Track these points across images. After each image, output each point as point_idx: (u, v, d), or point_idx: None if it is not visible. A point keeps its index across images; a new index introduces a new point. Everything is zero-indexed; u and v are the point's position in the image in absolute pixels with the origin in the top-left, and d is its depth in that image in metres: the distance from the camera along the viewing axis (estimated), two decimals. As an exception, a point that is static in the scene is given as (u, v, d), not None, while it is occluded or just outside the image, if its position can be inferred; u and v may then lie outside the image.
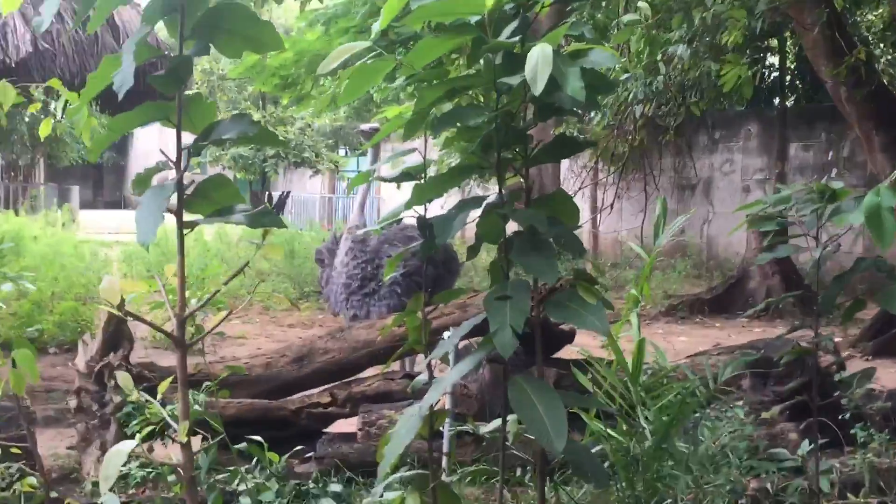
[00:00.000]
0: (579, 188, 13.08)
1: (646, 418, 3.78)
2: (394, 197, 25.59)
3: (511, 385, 2.70)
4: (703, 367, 5.79)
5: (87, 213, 28.37)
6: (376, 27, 3.12)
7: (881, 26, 12.54)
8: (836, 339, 10.25)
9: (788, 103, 18.09)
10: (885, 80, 9.56)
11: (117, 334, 4.68)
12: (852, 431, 5.04)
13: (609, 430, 3.81)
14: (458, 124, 2.93)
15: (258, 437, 4.20)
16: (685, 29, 7.53)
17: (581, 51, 2.71)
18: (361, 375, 5.52)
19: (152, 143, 38.00)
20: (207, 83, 23.53)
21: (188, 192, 2.61)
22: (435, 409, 3.20)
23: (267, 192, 24.77)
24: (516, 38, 2.72)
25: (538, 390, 2.67)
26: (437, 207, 2.99)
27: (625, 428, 3.79)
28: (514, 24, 2.87)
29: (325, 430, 5.14)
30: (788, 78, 18.12)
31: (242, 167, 22.48)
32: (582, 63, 2.66)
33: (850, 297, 3.64)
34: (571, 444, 3.17)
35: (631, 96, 8.57)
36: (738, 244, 15.75)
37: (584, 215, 19.08)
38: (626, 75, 8.74)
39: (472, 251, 3.12)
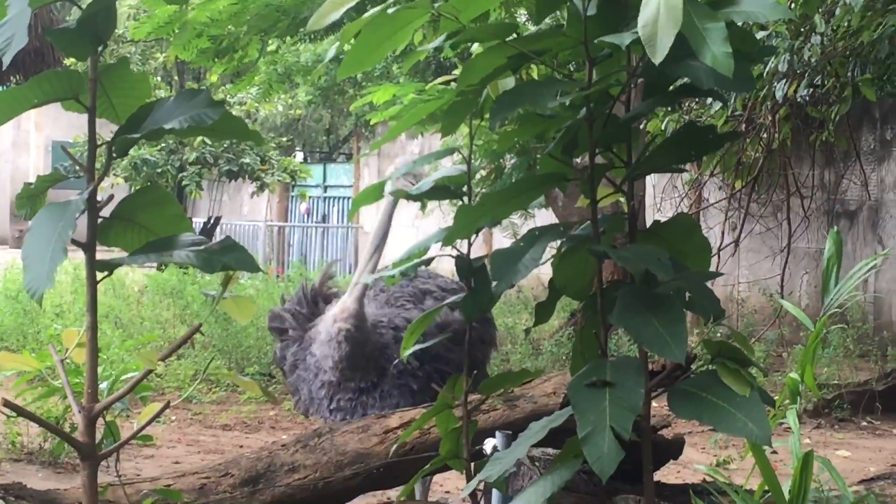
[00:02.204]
0: (689, 212, 12.96)
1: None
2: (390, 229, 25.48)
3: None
4: (889, 498, 5.78)
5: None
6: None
7: None
8: None
9: None
10: None
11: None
12: None
13: None
14: (523, 110, 2.93)
15: None
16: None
17: (723, -1, 2.70)
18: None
19: (5, 141, 38.23)
20: (96, 49, 23.63)
21: (105, 213, 2.60)
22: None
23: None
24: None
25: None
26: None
27: None
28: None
29: None
30: None
31: (147, 179, 22.43)
32: (730, 15, 2.64)
33: None
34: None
35: (769, 70, 8.42)
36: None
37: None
38: (761, 33, 8.57)
39: (545, 310, 3.10)
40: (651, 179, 17.28)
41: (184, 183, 22.70)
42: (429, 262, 3.19)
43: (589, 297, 2.94)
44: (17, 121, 37.09)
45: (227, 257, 2.53)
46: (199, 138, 22.56)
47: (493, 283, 2.81)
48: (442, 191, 3.12)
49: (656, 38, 2.48)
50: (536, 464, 5.87)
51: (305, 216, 31.90)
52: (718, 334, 13.57)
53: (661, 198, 16.15)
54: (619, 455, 2.58)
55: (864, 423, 11.73)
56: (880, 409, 11.95)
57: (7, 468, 8.25)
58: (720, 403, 2.65)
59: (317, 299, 7.46)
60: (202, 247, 2.53)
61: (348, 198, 29.40)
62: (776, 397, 12.01)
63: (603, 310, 2.82)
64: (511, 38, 2.84)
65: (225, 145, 22.97)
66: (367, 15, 2.81)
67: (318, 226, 30.38)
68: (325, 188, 31.62)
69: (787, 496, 3.81)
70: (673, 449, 5.98)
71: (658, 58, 2.49)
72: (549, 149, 2.94)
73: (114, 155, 2.59)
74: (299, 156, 32.90)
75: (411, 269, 3.21)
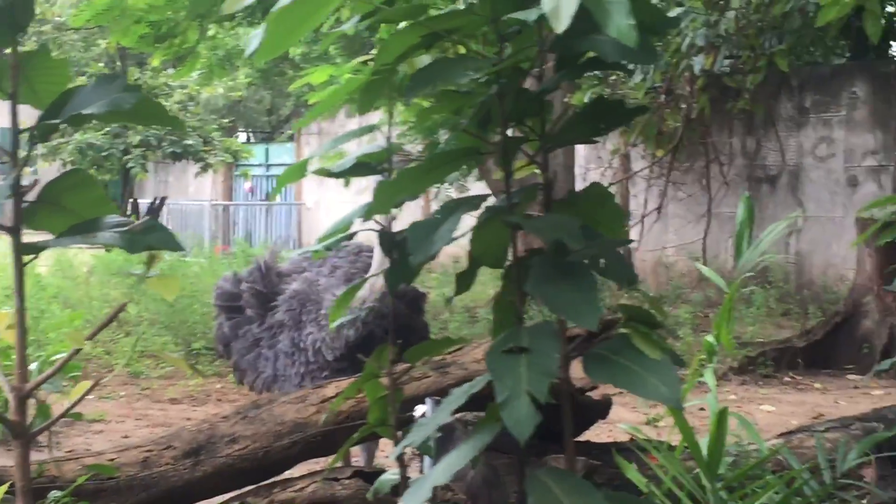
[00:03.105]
0: (610, 183, 12.97)
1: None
2: (327, 204, 25.52)
3: (531, 484, 2.67)
4: (808, 450, 5.82)
5: None
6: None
7: None
8: None
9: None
10: None
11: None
12: None
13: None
14: (439, 86, 2.90)
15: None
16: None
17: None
18: (289, 474, 5.46)
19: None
20: (38, 36, 23.32)
21: (30, 197, 2.56)
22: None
23: (130, 199, 24.63)
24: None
25: (572, 491, 2.64)
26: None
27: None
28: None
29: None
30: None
31: (93, 162, 22.27)
32: (633, -7, 2.63)
33: None
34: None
35: (686, 43, 8.43)
36: (844, 264, 15.82)
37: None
38: (678, 10, 8.60)
39: (464, 280, 3.09)
40: (581, 150, 17.34)
41: (129, 165, 22.58)
42: (351, 236, 3.16)
43: (506, 267, 2.93)
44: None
45: (150, 237, 2.50)
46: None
47: (413, 254, 2.78)
48: (363, 167, 3.09)
49: (560, 10, 2.47)
50: (469, 427, 5.87)
51: (249, 195, 31.83)
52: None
53: (587, 168, 16.21)
54: (535, 418, 2.57)
55: (787, 379, 11.84)
56: (801, 365, 12.08)
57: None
58: (632, 367, 2.64)
59: (274, 277, 7.37)
60: (126, 228, 2.50)
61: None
62: (702, 356, 12.12)
63: (519, 278, 2.80)
64: (424, 17, 2.82)
65: (168, 128, 22.90)
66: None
67: (262, 204, 30.31)
68: (268, 167, 31.52)
69: (706, 452, 3.83)
70: (601, 409, 6.00)
71: (560, 28, 2.46)
72: (464, 124, 2.92)
73: (36, 140, 2.54)
74: (242, 136, 32.73)
75: (335, 244, 3.18)
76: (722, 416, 3.73)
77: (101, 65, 22.59)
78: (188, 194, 31.40)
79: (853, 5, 7.55)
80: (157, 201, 25.81)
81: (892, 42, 18.71)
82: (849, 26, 19.02)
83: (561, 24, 2.46)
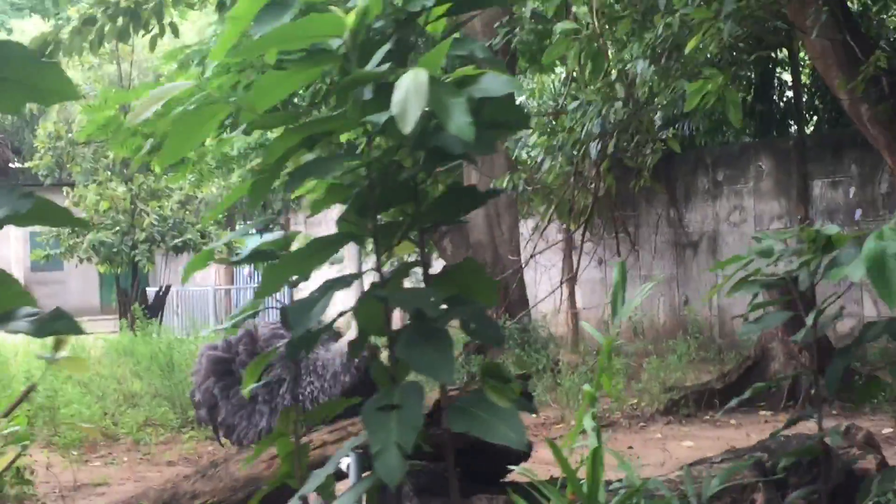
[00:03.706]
0: (532, 255, 12.98)
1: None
2: (315, 281, 25.42)
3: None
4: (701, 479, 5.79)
5: None
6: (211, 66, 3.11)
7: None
8: (886, 430, 10.30)
9: (808, 130, 18.41)
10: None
11: None
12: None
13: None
14: (315, 181, 2.92)
15: None
16: (648, 40, 7.57)
17: (470, 77, 2.70)
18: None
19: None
20: (54, 150, 23.35)
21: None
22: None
23: (138, 289, 24.55)
24: (385, 66, 2.72)
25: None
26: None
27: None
28: (387, 46, 2.88)
29: None
30: (805, 98, 18.46)
31: (105, 258, 22.26)
32: (471, 92, 2.66)
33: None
34: None
35: (584, 132, 8.54)
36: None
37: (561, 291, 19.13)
38: (574, 103, 8.73)
39: (355, 347, 3.09)
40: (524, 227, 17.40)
41: (136, 259, 22.53)
42: (256, 314, 3.16)
43: (386, 336, 2.93)
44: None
45: (56, 324, 2.49)
46: (148, 220, 22.42)
47: (292, 327, 2.78)
48: (260, 255, 3.10)
49: (407, 113, 2.49)
50: (408, 473, 5.82)
51: (248, 279, 31.77)
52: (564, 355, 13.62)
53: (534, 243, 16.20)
54: (404, 467, 2.57)
55: (706, 417, 11.80)
56: (718, 404, 12.03)
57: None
58: (484, 416, 2.64)
59: (261, 342, 7.36)
60: (35, 317, 2.49)
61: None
62: (636, 401, 12.02)
63: (391, 344, 2.80)
64: (299, 122, 2.84)
65: (170, 224, 22.88)
66: (176, 113, 2.80)
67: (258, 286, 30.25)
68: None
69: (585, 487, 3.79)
70: (516, 455, 5.93)
71: (406, 129, 2.49)
72: (343, 213, 2.93)
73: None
74: (239, 228, 32.62)
75: (241, 322, 3.19)
76: (595, 454, 3.70)
77: (109, 173, 22.57)
78: (195, 281, 31.26)
79: (717, 94, 7.66)
80: (163, 289, 25.71)
81: (790, 121, 18.84)
82: (753, 109, 19.30)
83: (407, 126, 2.49)
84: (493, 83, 2.68)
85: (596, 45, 6.95)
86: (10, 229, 36.96)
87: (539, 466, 8.07)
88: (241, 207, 29.48)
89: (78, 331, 2.50)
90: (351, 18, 2.78)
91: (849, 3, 9.06)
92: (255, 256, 3.07)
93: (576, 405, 12.00)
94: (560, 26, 6.76)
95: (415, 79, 2.54)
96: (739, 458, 5.90)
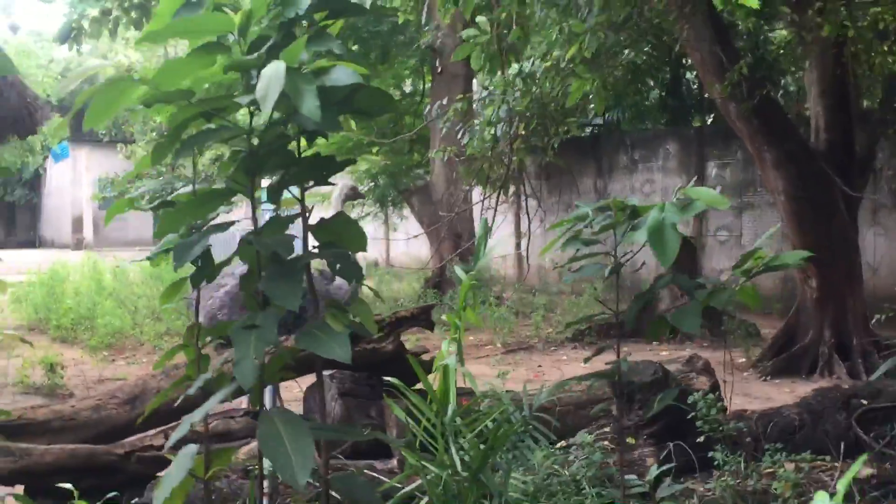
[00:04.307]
0: (455, 212, 12.98)
1: (462, 449, 3.75)
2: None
3: (261, 420, 2.66)
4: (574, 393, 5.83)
5: (-6, 253, 27.79)
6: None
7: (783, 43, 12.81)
8: (740, 360, 10.37)
9: (708, 121, 18.42)
10: (773, 94, 9.69)
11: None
12: (710, 455, 5.09)
13: (426, 464, 3.77)
14: (201, 149, 2.90)
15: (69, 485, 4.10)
16: (542, 44, 7.60)
17: (323, 68, 2.69)
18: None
19: (65, 179, 37.57)
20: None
21: None
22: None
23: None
24: (253, 56, 2.70)
25: (289, 423, 2.63)
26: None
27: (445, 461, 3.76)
28: (270, 42, 2.86)
29: (159, 475, 5.02)
30: (706, 95, 18.41)
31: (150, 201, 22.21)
32: (323, 81, 2.65)
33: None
34: (347, 478, 3.15)
35: (492, 116, 8.57)
36: (655, 266, 15.88)
37: (510, 240, 19.23)
38: (483, 93, 8.79)
39: (245, 281, 3.08)
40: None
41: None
42: (168, 251, 3.15)
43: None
44: (74, 163, 36.53)
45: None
46: (184, 171, 22.24)
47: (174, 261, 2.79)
48: (165, 203, 3.09)
49: (267, 96, 2.48)
50: (334, 379, 5.84)
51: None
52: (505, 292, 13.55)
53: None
54: (255, 373, 2.59)
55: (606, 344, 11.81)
56: (611, 335, 12.06)
57: (20, 398, 8.13)
58: (323, 337, 2.64)
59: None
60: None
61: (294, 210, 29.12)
62: (551, 330, 11.93)
63: (259, 279, 2.80)
64: (194, 99, 2.81)
65: (202, 176, 22.67)
66: (97, 86, 2.78)
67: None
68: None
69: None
70: (427, 366, 5.97)
71: (265, 109, 2.49)
72: (231, 173, 2.92)
73: None
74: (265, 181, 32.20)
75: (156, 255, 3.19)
76: (445, 370, 3.73)
77: (155, 133, 22.37)
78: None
79: (585, 90, 7.67)
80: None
81: (694, 113, 18.87)
82: (665, 103, 19.32)
83: (266, 107, 2.48)
84: (341, 74, 2.67)
85: (493, 48, 6.98)
86: (83, 176, 36.94)
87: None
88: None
89: None
90: (238, 18, 2.76)
91: (722, 18, 8.93)
92: (161, 205, 3.05)
93: (503, 330, 12.05)
94: (466, 32, 6.75)
95: (275, 69, 2.53)
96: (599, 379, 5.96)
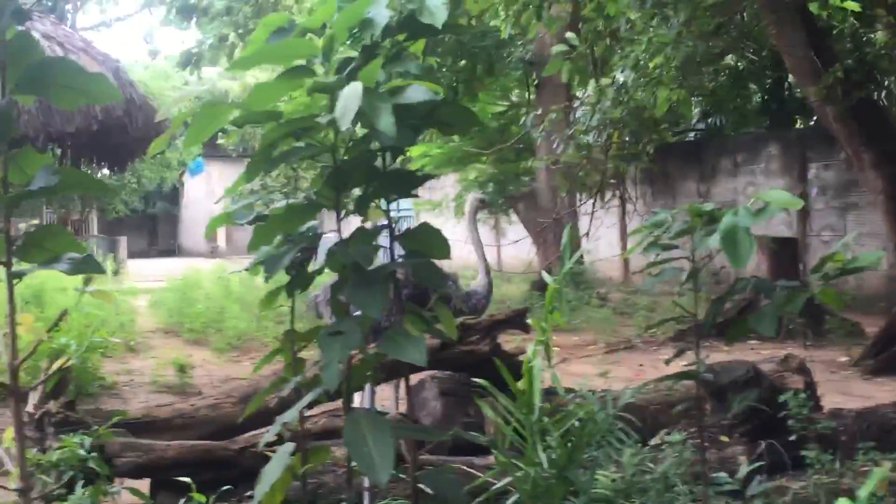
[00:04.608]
0: (554, 217, 12.87)
1: (548, 447, 3.73)
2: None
3: (348, 421, 2.69)
4: (646, 393, 5.72)
5: (138, 262, 28.78)
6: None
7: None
8: (842, 359, 10.02)
9: (810, 124, 17.89)
10: (876, 95, 9.34)
11: (60, 382, 4.75)
12: (802, 453, 4.94)
13: (515, 461, 3.76)
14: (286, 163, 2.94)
15: (187, 479, 4.22)
16: (631, 55, 7.49)
17: (398, 87, 2.71)
18: (311, 413, 5.51)
19: (200, 192, 38.71)
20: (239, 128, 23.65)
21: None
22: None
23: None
24: (333, 79, 2.74)
25: (374, 424, 2.66)
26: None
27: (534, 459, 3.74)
28: (353, 64, 2.90)
29: (268, 470, 5.11)
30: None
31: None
32: (398, 99, 2.67)
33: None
34: (436, 474, 3.16)
35: (586, 125, 8.47)
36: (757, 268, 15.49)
37: (615, 245, 19.02)
38: (576, 103, 8.73)
39: (334, 289, 3.11)
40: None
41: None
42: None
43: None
44: (208, 177, 37.66)
45: (85, 266, 2.58)
46: (306, 184, 22.60)
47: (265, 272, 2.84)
48: (258, 218, 3.13)
49: (345, 114, 2.51)
50: (435, 380, 5.86)
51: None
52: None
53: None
54: (339, 376, 2.62)
55: (706, 345, 11.43)
56: (717, 335, 11.77)
57: (153, 397, 8.40)
58: (400, 340, 2.66)
59: None
60: (73, 260, 2.57)
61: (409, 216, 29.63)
62: (654, 329, 11.66)
63: (342, 288, 2.83)
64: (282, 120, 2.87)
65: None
66: (198, 108, 2.86)
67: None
68: (399, 211, 31.73)
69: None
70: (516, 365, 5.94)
71: (343, 126, 2.52)
72: (319, 189, 2.96)
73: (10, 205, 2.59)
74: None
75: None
76: (530, 370, 3.70)
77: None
78: (350, 231, 31.36)
79: (671, 99, 7.51)
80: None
81: (796, 116, 18.36)
82: (769, 106, 18.83)
83: (343, 125, 2.51)
84: (414, 92, 2.68)
85: (582, 63, 6.92)
86: (216, 189, 38.02)
87: (569, 378, 8.09)
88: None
89: (101, 270, 2.58)
90: (321, 43, 2.80)
91: (816, 21, 8.66)
92: (255, 220, 3.11)
93: (607, 332, 11.91)
94: (555, 48, 6.70)
95: (353, 88, 2.56)
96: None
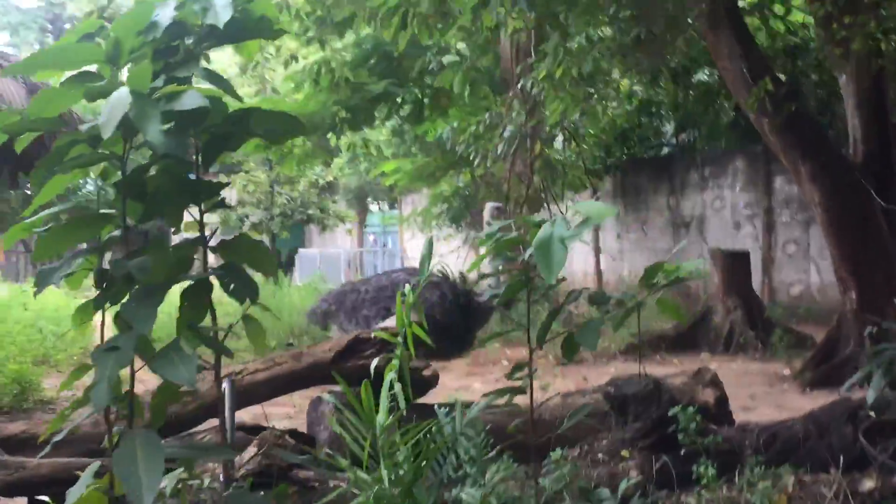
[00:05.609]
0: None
1: (396, 463, 3.58)
2: (419, 250, 25.42)
3: (123, 439, 2.54)
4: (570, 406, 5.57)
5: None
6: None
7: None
8: (786, 372, 9.85)
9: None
10: (805, 108, 9.17)
11: None
12: (694, 468, 4.80)
13: (367, 477, 3.60)
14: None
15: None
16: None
17: (175, 93, 2.56)
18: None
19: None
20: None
21: None
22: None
23: (274, 250, 24.76)
24: (102, 82, 2.60)
25: (147, 443, 2.50)
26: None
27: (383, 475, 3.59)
28: (149, 67, 2.75)
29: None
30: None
31: (251, 227, 22.43)
32: (173, 105, 2.52)
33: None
34: (241, 496, 3.01)
35: (507, 138, 8.33)
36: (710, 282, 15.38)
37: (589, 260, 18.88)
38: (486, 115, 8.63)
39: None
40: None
41: (273, 229, 22.64)
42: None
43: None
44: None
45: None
46: (280, 199, 22.59)
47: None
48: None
49: (108, 122, 2.38)
50: (332, 394, 5.70)
51: (373, 243, 31.86)
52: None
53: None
54: (111, 394, 2.47)
55: (657, 358, 11.43)
56: (668, 348, 11.68)
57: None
58: (174, 360, 2.49)
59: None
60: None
61: (395, 231, 29.52)
62: (607, 344, 11.51)
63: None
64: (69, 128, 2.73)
65: (298, 202, 22.95)
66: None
67: (377, 250, 30.41)
68: (384, 226, 31.61)
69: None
70: (431, 381, 5.80)
71: (105, 135, 2.39)
72: (111, 202, 2.81)
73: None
74: (374, 206, 32.44)
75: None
76: (367, 386, 3.54)
77: (253, 163, 22.72)
78: (335, 244, 31.42)
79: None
80: (293, 250, 26.01)
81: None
82: (738, 123, 18.69)
83: (106, 132, 2.39)
84: (190, 98, 2.53)
85: (474, 73, 6.81)
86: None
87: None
88: (371, 190, 29.47)
89: None
90: (105, 47, 2.67)
91: (748, 31, 8.52)
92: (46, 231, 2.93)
93: (552, 348, 11.74)
94: (446, 58, 6.60)
95: (119, 94, 2.43)
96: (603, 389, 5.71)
